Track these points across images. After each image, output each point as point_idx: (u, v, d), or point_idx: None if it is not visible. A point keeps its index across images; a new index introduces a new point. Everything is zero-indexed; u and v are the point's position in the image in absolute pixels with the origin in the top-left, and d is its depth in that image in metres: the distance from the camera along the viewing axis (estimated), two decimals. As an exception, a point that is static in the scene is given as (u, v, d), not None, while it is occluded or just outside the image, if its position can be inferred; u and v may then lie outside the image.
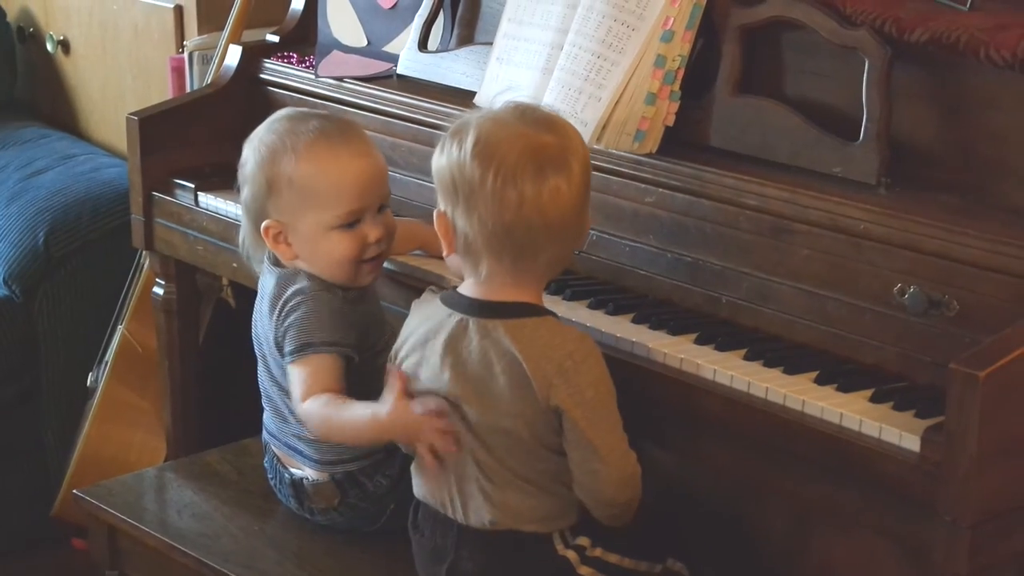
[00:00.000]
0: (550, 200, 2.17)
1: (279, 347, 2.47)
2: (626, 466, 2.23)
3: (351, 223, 2.46)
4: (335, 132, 2.50)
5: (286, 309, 2.46)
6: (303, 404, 2.40)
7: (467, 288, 2.26)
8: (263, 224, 2.49)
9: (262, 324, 2.54)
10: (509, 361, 2.19)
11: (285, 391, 2.52)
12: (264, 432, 2.64)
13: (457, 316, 2.25)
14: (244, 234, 2.59)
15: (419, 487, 2.36)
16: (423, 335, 2.28)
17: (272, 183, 2.47)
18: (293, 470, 2.57)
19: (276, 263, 2.54)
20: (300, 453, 2.55)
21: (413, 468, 2.36)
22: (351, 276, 2.49)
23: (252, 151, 2.52)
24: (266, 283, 2.55)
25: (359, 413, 2.33)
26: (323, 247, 2.47)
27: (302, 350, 2.42)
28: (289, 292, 2.46)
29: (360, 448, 2.49)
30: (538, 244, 2.19)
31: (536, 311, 2.24)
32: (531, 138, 2.19)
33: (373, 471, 2.51)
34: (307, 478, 2.55)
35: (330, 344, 2.42)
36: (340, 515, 2.54)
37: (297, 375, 2.43)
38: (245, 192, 2.54)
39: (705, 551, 2.44)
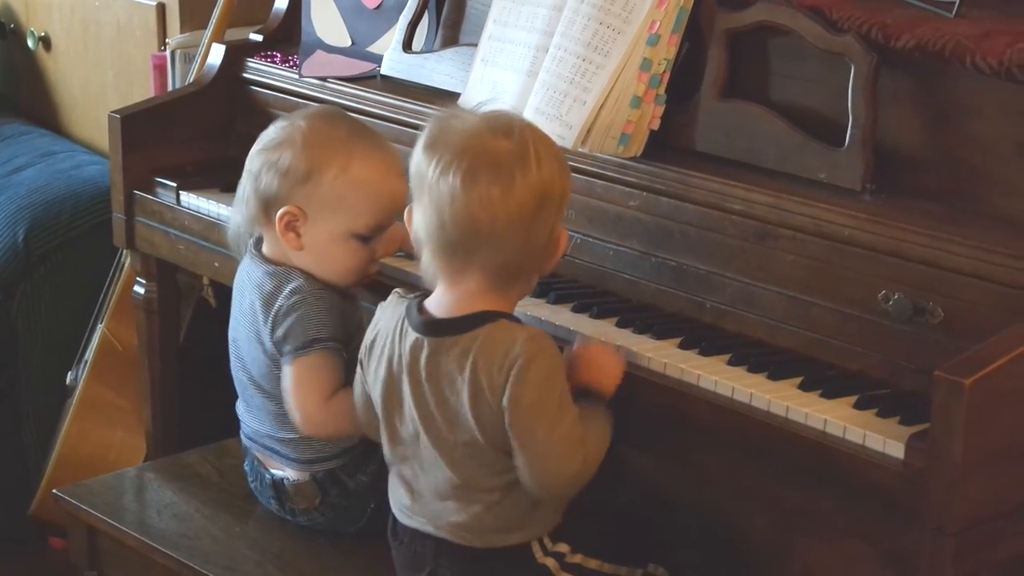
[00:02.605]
0: (479, 205, 2.13)
1: (277, 346, 2.45)
2: (566, 467, 2.18)
3: (369, 237, 2.47)
4: (387, 148, 2.51)
5: (285, 307, 2.44)
6: (324, 404, 2.42)
7: (432, 300, 2.23)
8: (283, 208, 2.45)
9: (245, 323, 2.53)
10: (467, 374, 2.16)
11: (266, 392, 2.52)
12: (243, 436, 2.63)
13: (413, 336, 2.21)
14: (246, 213, 2.52)
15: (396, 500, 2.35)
16: (388, 352, 2.25)
17: (314, 171, 2.44)
18: (274, 471, 2.56)
19: (264, 257, 2.52)
20: (278, 453, 2.55)
21: (391, 481, 2.35)
22: (349, 284, 2.51)
23: (297, 133, 2.47)
24: (252, 273, 2.52)
25: None
26: (335, 251, 2.46)
27: (309, 346, 2.42)
28: (286, 291, 2.45)
29: (339, 446, 2.50)
30: (468, 245, 2.16)
31: (489, 317, 2.19)
32: (482, 139, 2.16)
33: (353, 469, 2.52)
34: (287, 478, 2.54)
35: (335, 340, 2.43)
36: (321, 515, 2.53)
37: (302, 372, 2.42)
38: (269, 174, 2.46)
39: (686, 556, 2.44)
